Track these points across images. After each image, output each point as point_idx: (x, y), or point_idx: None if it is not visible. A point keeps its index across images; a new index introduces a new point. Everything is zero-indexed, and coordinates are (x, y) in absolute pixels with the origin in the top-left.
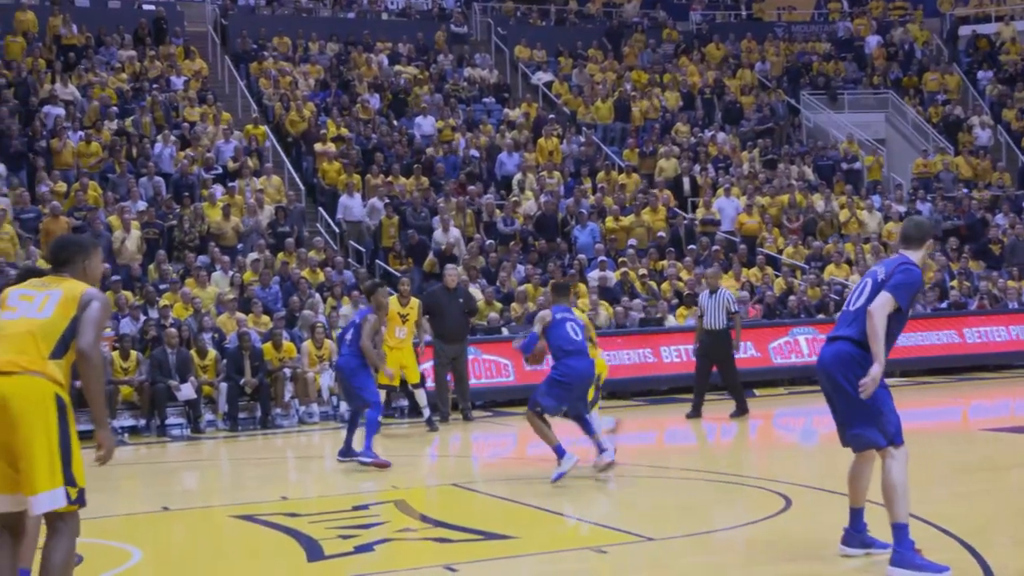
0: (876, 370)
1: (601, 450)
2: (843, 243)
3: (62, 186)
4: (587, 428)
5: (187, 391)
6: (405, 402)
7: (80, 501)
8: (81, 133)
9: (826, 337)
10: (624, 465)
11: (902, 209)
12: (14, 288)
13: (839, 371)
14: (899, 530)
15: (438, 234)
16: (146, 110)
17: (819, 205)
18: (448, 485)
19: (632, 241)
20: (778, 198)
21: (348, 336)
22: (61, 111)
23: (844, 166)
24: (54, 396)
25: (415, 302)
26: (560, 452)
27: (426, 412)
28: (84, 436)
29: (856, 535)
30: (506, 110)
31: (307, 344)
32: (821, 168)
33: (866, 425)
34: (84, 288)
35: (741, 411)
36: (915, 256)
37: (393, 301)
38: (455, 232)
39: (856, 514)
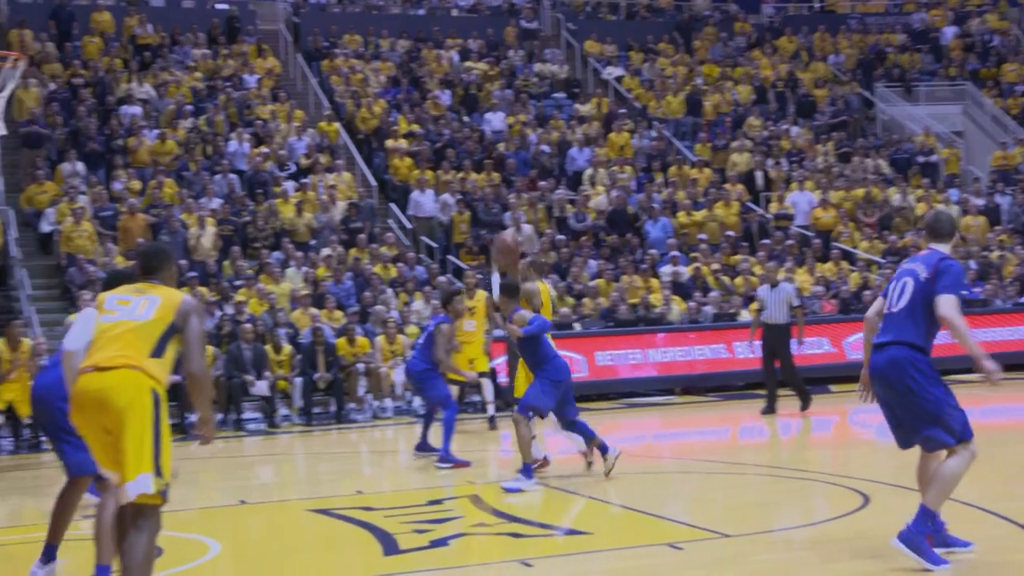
0: (991, 365)
1: (605, 450)
2: (920, 237)
3: (138, 184)
4: (584, 431)
5: (262, 386)
6: (478, 397)
7: (164, 495)
8: (157, 131)
9: (873, 344)
10: (700, 461)
11: (980, 202)
12: (111, 293)
13: (897, 377)
14: (926, 514)
15: (510, 231)
16: (220, 108)
17: (895, 199)
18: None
19: (704, 236)
20: (853, 192)
21: (420, 340)
22: (138, 110)
23: (920, 159)
24: (150, 390)
25: (481, 294)
26: (528, 472)
27: (490, 409)
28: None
29: (936, 535)
30: (576, 105)
31: (380, 339)
32: (896, 161)
33: (932, 426)
34: (181, 297)
35: (805, 405)
36: (946, 250)
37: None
38: (527, 229)
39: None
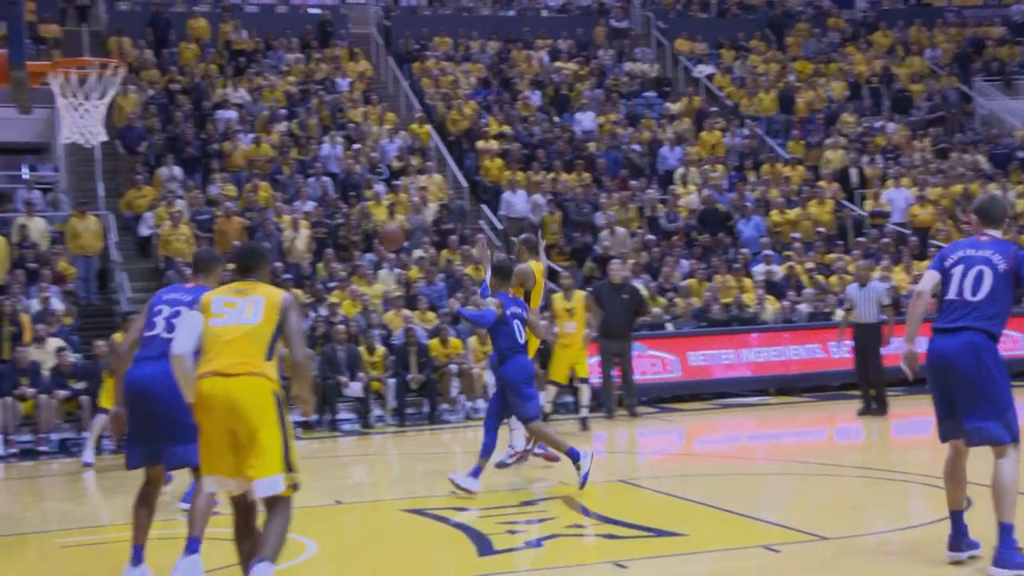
0: None
1: (499, 466)
2: (1020, 234)
3: (234, 188)
4: (489, 446)
5: (356, 387)
6: (571, 398)
7: (296, 486)
8: (252, 136)
9: (936, 328)
10: (795, 462)
11: None
12: (217, 296)
13: (972, 363)
14: (1005, 530)
15: (604, 234)
16: (313, 112)
17: None
18: (615, 481)
19: (797, 234)
20: (951, 188)
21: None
22: (233, 115)
23: (1020, 154)
24: (272, 393)
25: (579, 295)
26: (574, 455)
27: (584, 411)
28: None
29: (960, 539)
30: (667, 104)
31: (472, 340)
32: (996, 157)
33: (991, 419)
34: (280, 294)
35: (881, 410)
36: (1000, 235)
37: (558, 297)
38: (621, 232)
39: (958, 517)
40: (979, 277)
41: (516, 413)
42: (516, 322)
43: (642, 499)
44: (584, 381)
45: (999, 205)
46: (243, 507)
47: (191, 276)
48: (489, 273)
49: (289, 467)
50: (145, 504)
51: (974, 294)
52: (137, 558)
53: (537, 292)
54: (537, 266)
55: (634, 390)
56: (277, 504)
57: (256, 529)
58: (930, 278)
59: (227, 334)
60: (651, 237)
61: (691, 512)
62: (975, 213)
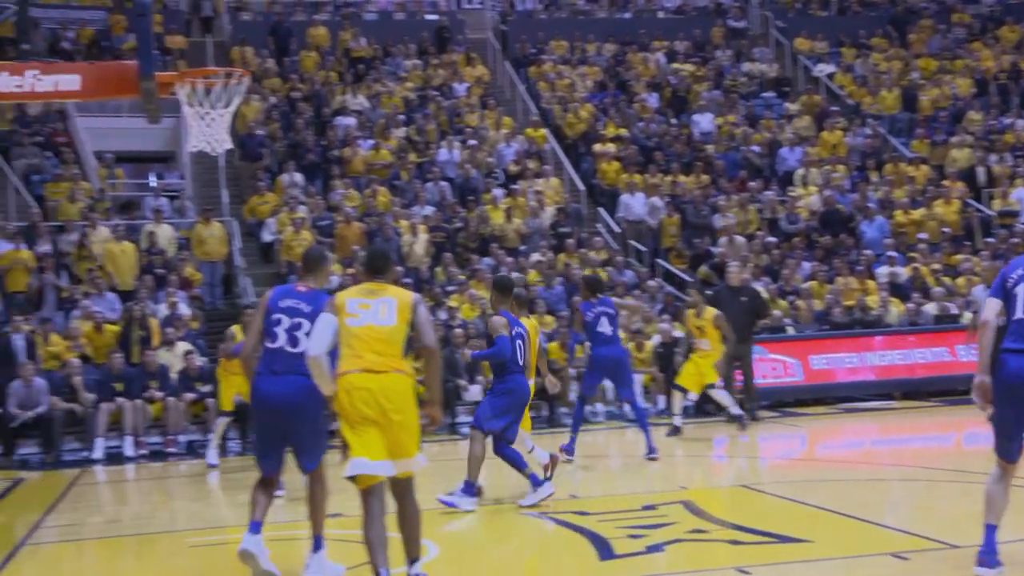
0: None
1: (536, 484)
2: None
3: (354, 194)
4: (516, 462)
5: (475, 390)
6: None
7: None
8: (371, 141)
9: (1008, 349)
10: (922, 468)
11: None
12: (350, 297)
13: None
14: None
15: (722, 241)
16: (431, 117)
17: None
18: (737, 486)
19: (923, 235)
20: None
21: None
22: (352, 121)
23: None
24: (411, 386)
25: (710, 312)
26: (468, 490)
27: (734, 410)
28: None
29: (988, 555)
30: (787, 104)
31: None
32: None
33: None
34: (410, 295)
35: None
36: None
37: (690, 314)
38: (739, 240)
39: (992, 531)
40: None
41: (477, 413)
42: (518, 342)
43: (765, 504)
44: (713, 386)
45: None
46: (376, 494)
47: (301, 275)
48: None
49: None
50: (262, 496)
51: None
52: (254, 527)
53: (532, 352)
54: (530, 323)
55: (755, 394)
56: (408, 485)
57: (381, 511)
58: (992, 307)
59: (365, 333)
60: (772, 239)
61: (815, 518)
62: None
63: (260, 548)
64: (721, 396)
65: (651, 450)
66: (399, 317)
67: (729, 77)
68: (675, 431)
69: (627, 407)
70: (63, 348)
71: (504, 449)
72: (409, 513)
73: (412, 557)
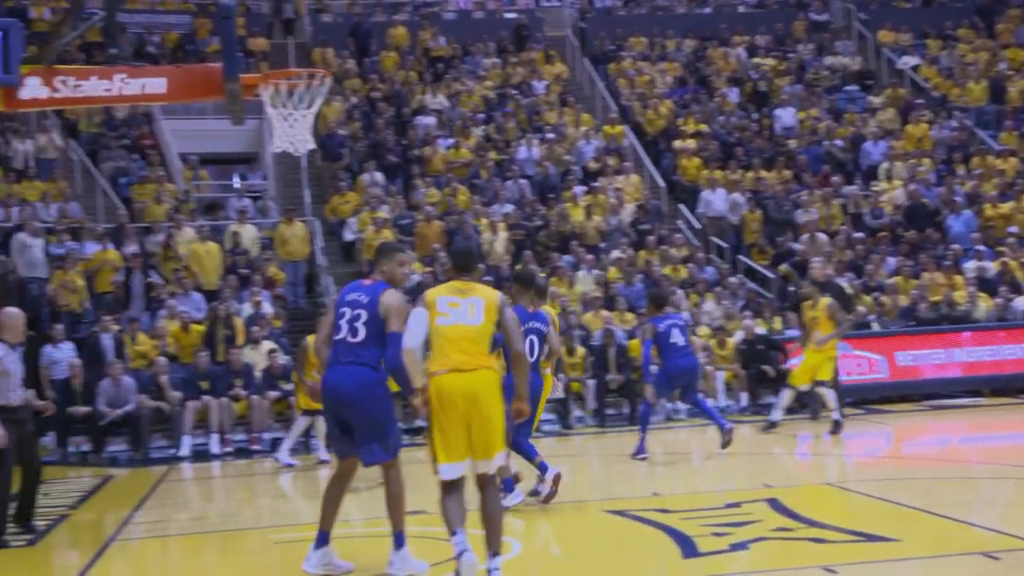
0: None
1: (544, 470)
2: None
3: (435, 192)
4: (528, 454)
5: (555, 389)
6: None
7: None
8: (450, 140)
9: None
10: (1012, 466)
11: None
12: (440, 295)
13: None
14: None
15: (804, 238)
16: (510, 115)
17: None
18: (822, 484)
19: (1012, 229)
20: None
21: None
22: (432, 120)
23: None
24: (498, 383)
25: (823, 303)
26: (507, 486)
27: (836, 415)
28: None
29: None
30: (870, 97)
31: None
32: None
33: None
34: (497, 295)
35: None
36: None
37: (806, 306)
38: (822, 238)
39: None
40: None
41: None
42: (532, 336)
43: (850, 502)
44: (824, 384)
45: None
46: (457, 487)
47: (372, 269)
48: None
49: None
50: (332, 492)
51: None
52: (320, 540)
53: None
54: (553, 313)
55: (840, 391)
56: (491, 480)
57: (460, 499)
58: None
59: (454, 332)
60: (859, 235)
61: (902, 516)
62: None
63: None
64: (829, 396)
65: (724, 427)
66: (486, 317)
67: (811, 71)
68: (771, 426)
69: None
70: (150, 347)
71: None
72: (491, 506)
73: (493, 551)
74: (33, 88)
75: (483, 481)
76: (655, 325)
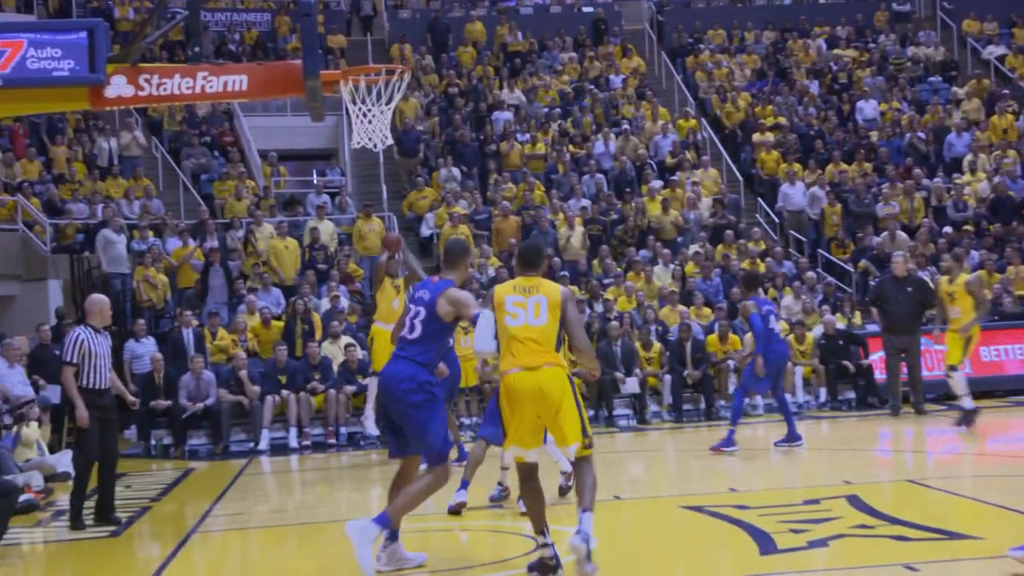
0: None
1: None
2: None
3: (512, 187)
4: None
5: (632, 383)
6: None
7: (590, 445)
8: (527, 135)
9: None
10: None
11: None
12: (508, 294)
13: None
14: None
15: (884, 236)
16: (587, 110)
17: None
18: (903, 481)
19: None
20: None
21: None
22: (509, 115)
23: None
24: (567, 377)
25: (962, 278)
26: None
27: (966, 402)
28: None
29: None
30: (954, 88)
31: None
32: None
33: None
34: (559, 291)
35: None
36: None
37: (943, 281)
38: (902, 236)
39: None
40: None
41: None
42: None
43: (932, 500)
44: (953, 369)
45: None
46: (532, 475)
47: (443, 266)
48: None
49: (585, 434)
50: (396, 489)
51: None
52: (391, 535)
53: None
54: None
55: (921, 387)
56: (582, 464)
57: (537, 486)
58: None
59: (522, 333)
60: (947, 230)
61: (986, 514)
62: None
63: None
64: (958, 382)
65: (793, 437)
66: (550, 315)
67: (893, 58)
68: (968, 418)
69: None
70: (230, 342)
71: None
72: (583, 484)
73: (583, 507)
74: (119, 87)
75: (576, 465)
76: (759, 306)
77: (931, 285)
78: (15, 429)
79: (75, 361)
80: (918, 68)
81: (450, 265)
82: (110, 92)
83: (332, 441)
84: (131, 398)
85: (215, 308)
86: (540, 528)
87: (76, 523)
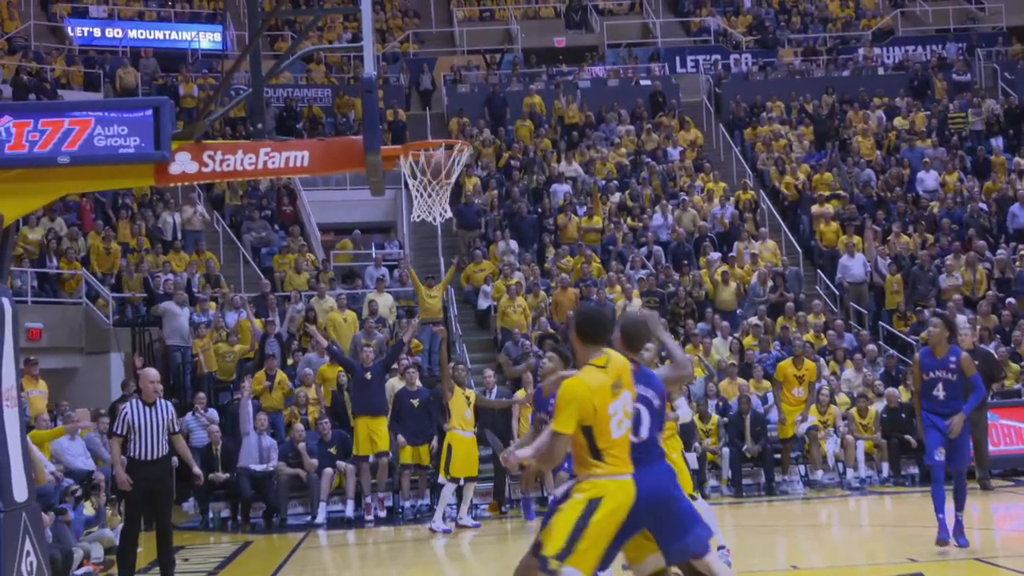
0: None
1: None
2: None
3: (569, 259)
4: None
5: (691, 457)
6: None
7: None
8: (584, 208)
9: None
10: None
11: None
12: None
13: None
14: None
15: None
16: (645, 182)
17: None
18: (970, 559)
19: None
20: None
21: None
22: (567, 188)
23: None
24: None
25: None
26: None
27: None
28: None
29: None
30: (1017, 158)
31: (811, 410)
32: None
33: None
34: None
35: None
36: None
37: None
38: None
39: None
40: None
41: None
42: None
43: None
44: None
45: None
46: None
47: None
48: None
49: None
50: None
51: None
52: None
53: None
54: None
55: (987, 462)
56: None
57: None
58: None
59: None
60: (1011, 301)
61: None
62: None
63: None
64: None
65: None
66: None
67: (952, 114)
68: None
69: None
70: (288, 413)
71: None
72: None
73: None
74: (183, 163)
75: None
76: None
77: (996, 357)
78: (79, 503)
79: (120, 432)
80: (978, 118)
81: (630, 347)
82: (175, 168)
83: (381, 513)
84: (196, 469)
85: (272, 373)
86: None
87: None
